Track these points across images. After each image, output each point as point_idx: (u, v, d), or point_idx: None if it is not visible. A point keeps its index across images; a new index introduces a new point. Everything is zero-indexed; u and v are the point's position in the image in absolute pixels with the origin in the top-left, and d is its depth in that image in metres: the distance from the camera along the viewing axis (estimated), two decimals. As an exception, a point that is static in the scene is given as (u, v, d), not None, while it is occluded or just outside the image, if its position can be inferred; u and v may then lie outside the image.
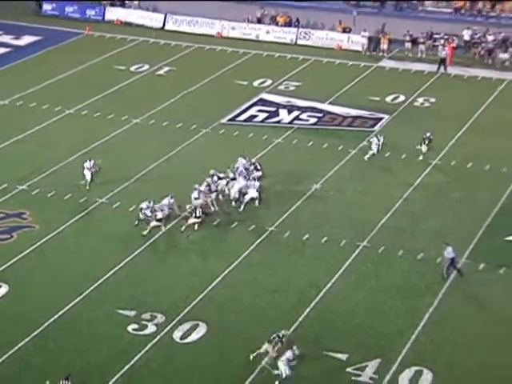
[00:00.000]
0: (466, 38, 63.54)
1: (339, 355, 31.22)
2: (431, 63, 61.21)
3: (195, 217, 39.41)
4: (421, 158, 45.09)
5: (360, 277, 36.47)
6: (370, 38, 64.63)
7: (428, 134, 45.17)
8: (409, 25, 64.52)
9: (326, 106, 53.95)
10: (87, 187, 42.45)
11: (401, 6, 67.36)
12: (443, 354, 31.38)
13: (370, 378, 30.25)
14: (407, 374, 30.44)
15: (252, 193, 41.05)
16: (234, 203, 41.36)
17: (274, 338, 30.07)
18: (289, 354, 29.19)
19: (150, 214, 39.09)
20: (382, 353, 31.44)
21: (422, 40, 63.68)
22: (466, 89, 57.51)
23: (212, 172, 41.38)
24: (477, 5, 65.61)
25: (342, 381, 30.13)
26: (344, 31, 66.04)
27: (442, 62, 60.46)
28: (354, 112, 52.92)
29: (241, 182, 41.27)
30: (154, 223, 39.20)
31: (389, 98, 55.33)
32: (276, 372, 29.46)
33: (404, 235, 39.10)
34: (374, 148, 45.69)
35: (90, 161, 42.60)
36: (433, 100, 55.36)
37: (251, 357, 30.10)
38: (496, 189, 43.05)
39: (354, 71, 60.40)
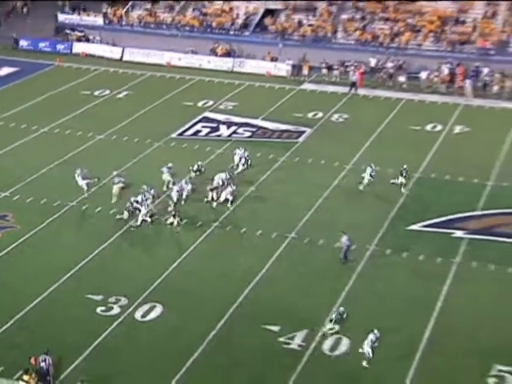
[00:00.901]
0: (372, 64, 63.98)
1: (273, 327, 31.35)
2: (344, 86, 61.41)
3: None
4: (403, 190, 43.07)
5: (289, 263, 36.55)
6: (293, 66, 64.81)
7: (405, 167, 43.39)
8: (325, 54, 64.81)
9: (258, 122, 53.85)
10: (85, 194, 42.20)
11: (318, 38, 67.51)
12: (358, 322, 31.54)
13: (299, 346, 30.43)
14: (329, 341, 30.66)
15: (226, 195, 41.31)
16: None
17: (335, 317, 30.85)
18: (372, 336, 29.11)
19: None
20: (308, 324, 31.59)
21: (335, 66, 64.01)
22: (372, 107, 57.88)
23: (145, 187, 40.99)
24: (379, 38, 66.02)
25: (275, 348, 30.29)
26: (272, 60, 66.06)
27: (353, 84, 60.80)
28: (282, 126, 52.94)
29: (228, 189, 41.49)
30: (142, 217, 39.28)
31: (310, 115, 55.40)
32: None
33: (324, 228, 39.16)
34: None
35: (81, 169, 42.25)
36: (346, 116, 55.58)
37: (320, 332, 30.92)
38: (398, 188, 43.35)
39: (281, 93, 60.48)
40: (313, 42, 67.44)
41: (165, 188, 42.70)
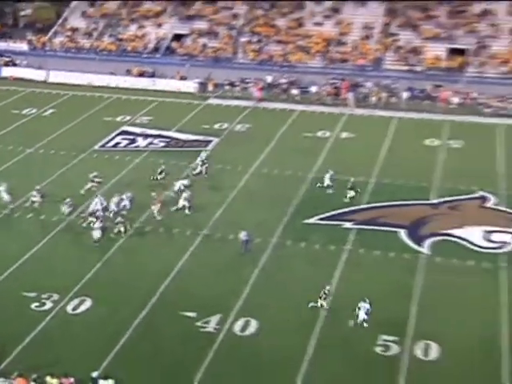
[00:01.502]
0: (269, 80, 64.37)
1: (190, 313, 31.23)
2: (245, 100, 61.68)
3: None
4: (347, 200, 42.00)
5: (202, 257, 36.43)
6: (200, 83, 64.70)
7: (352, 180, 42.85)
8: (227, 73, 65.18)
9: (171, 134, 53.50)
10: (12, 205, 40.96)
11: (220, 59, 67.65)
12: (263, 306, 31.79)
13: (214, 329, 30.38)
14: (240, 323, 30.78)
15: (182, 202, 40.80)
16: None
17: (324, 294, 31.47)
18: (365, 304, 30.30)
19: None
20: (221, 309, 31.58)
21: (237, 83, 64.26)
22: (270, 117, 58.23)
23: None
24: (273, 58, 66.60)
25: (193, 331, 30.22)
26: (181, 79, 65.81)
27: (254, 98, 61.17)
28: (192, 137, 52.71)
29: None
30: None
31: (216, 126, 55.34)
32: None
33: (233, 224, 39.14)
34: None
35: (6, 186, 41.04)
36: (248, 126, 55.79)
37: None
38: (295, 187, 43.77)
39: (190, 107, 60.25)
40: (216, 63, 67.50)
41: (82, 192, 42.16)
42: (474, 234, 38.48)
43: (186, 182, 42.72)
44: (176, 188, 42.37)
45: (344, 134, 54.04)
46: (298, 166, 46.47)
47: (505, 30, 65.76)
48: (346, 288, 33.39)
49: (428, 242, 37.82)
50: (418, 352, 29.15)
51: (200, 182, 44.41)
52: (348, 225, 39.58)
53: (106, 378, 26.18)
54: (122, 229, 38.10)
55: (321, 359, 28.64)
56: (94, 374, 26.37)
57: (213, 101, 62.49)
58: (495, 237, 38.34)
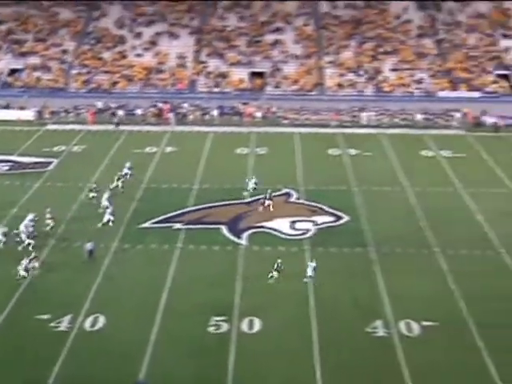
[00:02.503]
0: (99, 106, 62.91)
1: (44, 316, 30.01)
2: (79, 124, 59.85)
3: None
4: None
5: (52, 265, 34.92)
6: (38, 112, 62.14)
7: (269, 191, 41.91)
8: (61, 101, 62.91)
9: (14, 158, 50.93)
10: None
11: (55, 89, 65.31)
12: (112, 303, 30.98)
13: (66, 328, 29.39)
14: (90, 320, 29.95)
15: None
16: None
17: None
18: (313, 264, 32.78)
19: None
20: (71, 310, 30.55)
21: (71, 110, 62.29)
22: (103, 138, 56.65)
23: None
24: (102, 86, 65.24)
25: (47, 332, 29.14)
26: (20, 109, 62.68)
27: (88, 122, 59.43)
28: (34, 159, 50.43)
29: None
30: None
31: (55, 148, 53.24)
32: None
33: (78, 233, 37.88)
34: None
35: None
36: (83, 147, 54.12)
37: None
38: (131, 197, 42.96)
39: (31, 133, 57.46)
40: (51, 93, 64.94)
41: None
42: (282, 225, 39.64)
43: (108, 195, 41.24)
44: (103, 203, 40.67)
45: (168, 149, 53.83)
46: (131, 178, 45.76)
47: (293, 55, 68.34)
48: (181, 281, 33.27)
49: (245, 234, 38.49)
50: (244, 327, 29.65)
51: (44, 199, 42.51)
52: (178, 226, 39.48)
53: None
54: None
55: (162, 347, 28.37)
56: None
57: (51, 126, 60.03)
58: (299, 225, 39.72)
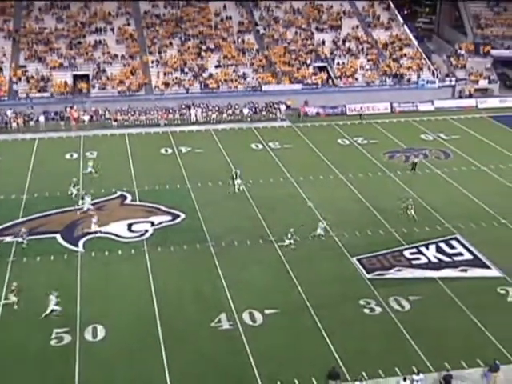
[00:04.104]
0: None
1: None
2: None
3: None
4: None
5: None
6: None
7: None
8: None
9: None
10: None
11: None
12: None
13: None
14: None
15: None
16: None
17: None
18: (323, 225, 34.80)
19: None
20: None
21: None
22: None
23: None
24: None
25: None
26: None
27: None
28: None
29: None
30: None
31: None
32: None
33: None
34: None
35: None
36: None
37: None
38: None
39: None
40: None
41: None
42: (118, 228, 39.14)
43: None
44: (85, 208, 40.29)
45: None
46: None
47: (116, 56, 67.36)
48: (26, 296, 31.75)
49: (82, 241, 37.60)
50: (88, 336, 29.04)
51: None
52: (8, 239, 37.64)
53: None
54: None
55: (3, 363, 27.05)
56: None
57: None
58: (136, 227, 39.43)
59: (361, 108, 63.97)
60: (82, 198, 41.95)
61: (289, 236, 37.02)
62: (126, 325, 29.79)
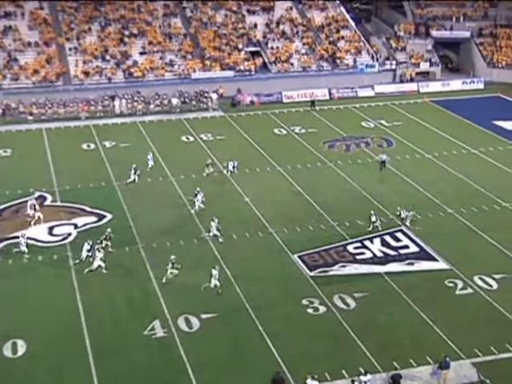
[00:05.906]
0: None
1: None
2: None
3: None
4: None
5: None
6: None
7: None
8: None
9: None
10: None
11: None
12: None
13: None
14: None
15: None
16: None
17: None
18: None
19: None
20: None
21: None
22: None
23: None
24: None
25: None
26: None
27: None
28: None
29: None
30: None
31: None
32: None
33: None
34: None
35: None
36: None
37: None
38: None
39: None
40: None
41: None
42: (38, 232, 38.34)
43: None
44: None
45: None
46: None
47: (29, 44, 65.78)
48: None
49: (-2, 247, 36.76)
50: (7, 352, 28.31)
51: None
52: None
53: None
54: None
55: None
56: None
57: None
58: (58, 230, 38.73)
59: (312, 93, 64.10)
60: None
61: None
62: (49, 338, 29.17)
